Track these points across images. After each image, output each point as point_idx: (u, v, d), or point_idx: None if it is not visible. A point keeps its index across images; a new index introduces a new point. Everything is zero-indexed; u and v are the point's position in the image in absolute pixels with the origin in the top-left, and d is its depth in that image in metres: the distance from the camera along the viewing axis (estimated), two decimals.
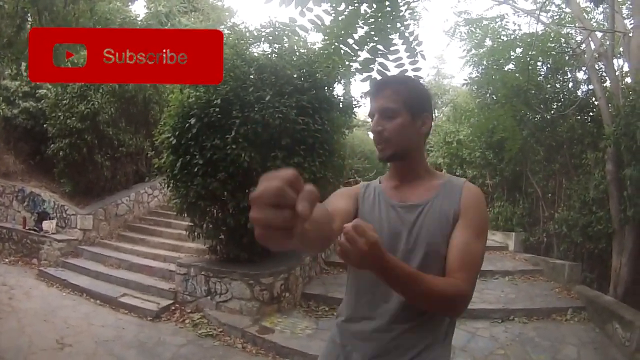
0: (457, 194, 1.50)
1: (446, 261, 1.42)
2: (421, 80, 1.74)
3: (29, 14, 5.35)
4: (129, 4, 15.78)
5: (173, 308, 6.51)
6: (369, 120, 1.60)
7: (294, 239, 0.80)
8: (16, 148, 10.61)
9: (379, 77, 3.63)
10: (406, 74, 3.62)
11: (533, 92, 9.01)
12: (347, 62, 4.01)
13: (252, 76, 6.46)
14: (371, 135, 1.63)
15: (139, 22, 15.00)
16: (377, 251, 1.12)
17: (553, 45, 8.66)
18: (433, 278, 1.32)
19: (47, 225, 9.00)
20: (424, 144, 1.67)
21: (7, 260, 8.78)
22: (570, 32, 9.28)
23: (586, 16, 8.94)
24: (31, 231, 9.01)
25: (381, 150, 1.53)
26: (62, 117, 9.29)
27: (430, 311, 1.43)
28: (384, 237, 1.35)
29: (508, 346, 5.42)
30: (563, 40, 9.02)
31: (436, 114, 17.86)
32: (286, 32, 6.75)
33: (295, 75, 6.55)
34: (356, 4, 3.85)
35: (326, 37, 4.09)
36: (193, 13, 16.78)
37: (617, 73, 8.22)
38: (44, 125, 9.75)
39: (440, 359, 1.51)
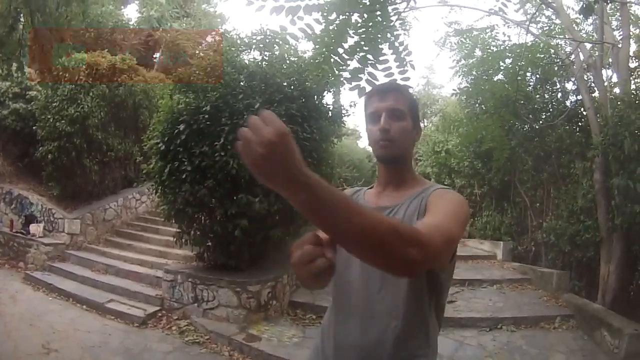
0: (426, 197, 1.47)
1: None
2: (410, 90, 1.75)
3: (21, 15, 5.32)
4: (122, 7, 15.76)
5: (160, 315, 6.47)
6: (358, 129, 1.60)
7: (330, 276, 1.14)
8: (5, 150, 10.52)
9: (368, 87, 3.64)
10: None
11: (522, 102, 9.07)
12: (336, 71, 4.02)
13: (242, 83, 6.48)
14: (363, 141, 1.63)
15: (131, 26, 15.02)
16: (288, 149, 0.91)
17: (542, 56, 8.73)
18: (375, 212, 1.09)
19: (34, 228, 8.93)
20: (413, 153, 1.72)
21: None
22: (560, 43, 9.36)
23: (576, 27, 9.03)
24: (18, 234, 8.95)
25: (384, 147, 1.52)
26: (51, 120, 9.24)
27: (368, 261, 1.11)
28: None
29: (496, 354, 5.44)
30: (552, 51, 9.09)
31: (425, 124, 17.92)
32: (277, 40, 6.76)
33: (285, 84, 6.58)
34: (347, 14, 3.87)
35: (317, 46, 4.11)
36: (185, 19, 16.77)
37: (605, 84, 8.29)
38: (34, 128, 9.68)
39: None
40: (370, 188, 1.71)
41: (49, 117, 9.30)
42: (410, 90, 1.77)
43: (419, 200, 1.48)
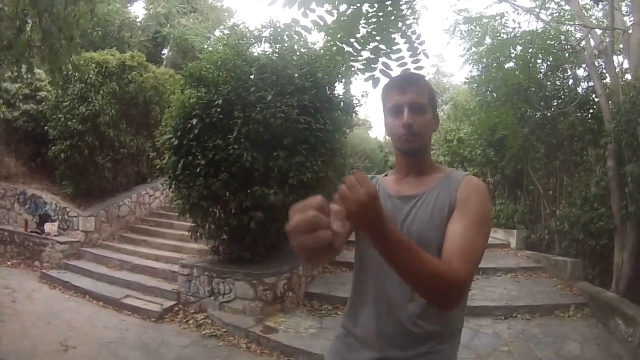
0: (454, 186, 1.50)
1: (442, 251, 1.37)
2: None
3: (29, 16, 5.33)
4: (128, 5, 15.79)
5: (176, 309, 6.51)
6: (369, 119, 1.61)
7: (334, 253, 1.08)
8: (17, 150, 10.60)
9: (382, 77, 3.64)
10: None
11: (533, 89, 9.03)
12: (349, 62, 4.01)
13: (253, 76, 6.48)
14: (375, 131, 1.64)
15: (139, 24, 15.06)
16: (375, 205, 1.08)
17: (553, 42, 8.67)
18: (431, 256, 1.23)
19: (49, 227, 9.00)
20: (431, 141, 1.71)
21: (9, 263, 8.76)
22: (570, 29, 9.32)
23: (586, 13, 8.96)
24: (33, 234, 9.01)
25: (408, 142, 1.54)
26: (62, 119, 9.30)
27: (420, 294, 1.29)
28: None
29: (512, 343, 5.44)
30: (563, 37, 9.03)
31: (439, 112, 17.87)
32: (287, 32, 6.76)
33: (296, 75, 6.57)
34: (358, 4, 3.86)
35: (328, 37, 4.10)
36: (192, 14, 16.78)
37: (617, 70, 8.23)
38: (45, 128, 9.74)
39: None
40: (385, 175, 1.73)
41: (60, 116, 9.36)
42: (427, 79, 1.76)
43: (446, 189, 1.50)
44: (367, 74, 3.79)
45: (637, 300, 6.13)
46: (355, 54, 3.90)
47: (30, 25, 5.38)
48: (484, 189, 1.53)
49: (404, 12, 4.01)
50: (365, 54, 3.87)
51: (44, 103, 10.08)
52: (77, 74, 8.26)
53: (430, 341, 1.45)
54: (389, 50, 3.82)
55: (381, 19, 3.86)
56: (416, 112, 1.51)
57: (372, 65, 3.79)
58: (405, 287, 1.31)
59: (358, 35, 3.88)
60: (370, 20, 3.88)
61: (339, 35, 3.90)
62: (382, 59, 3.79)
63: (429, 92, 1.57)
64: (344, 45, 3.91)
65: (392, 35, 3.90)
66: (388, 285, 1.47)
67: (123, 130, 10.01)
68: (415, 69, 3.81)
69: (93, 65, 9.53)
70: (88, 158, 9.46)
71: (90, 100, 9.30)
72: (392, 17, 3.88)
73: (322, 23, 3.77)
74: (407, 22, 3.99)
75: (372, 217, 1.08)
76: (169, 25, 14.88)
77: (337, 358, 1.61)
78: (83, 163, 9.46)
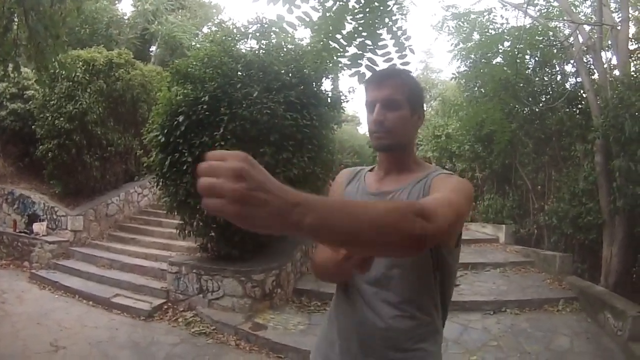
0: (430, 179, 1.47)
1: None
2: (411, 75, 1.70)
3: (15, 15, 5.28)
4: (116, 2, 15.69)
5: (166, 307, 6.51)
6: (357, 115, 1.57)
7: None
8: (5, 150, 10.50)
9: (368, 72, 3.63)
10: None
11: (521, 85, 9.05)
12: (335, 58, 4.01)
13: (239, 73, 6.47)
14: (363, 127, 1.61)
15: (126, 21, 14.96)
16: (261, 169, 0.82)
17: (541, 38, 8.67)
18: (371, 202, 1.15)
19: (37, 227, 8.94)
20: (415, 138, 1.68)
21: None
22: (559, 25, 9.32)
23: (574, 9, 8.99)
24: (22, 234, 8.96)
25: (378, 139, 1.51)
26: (50, 118, 9.22)
27: (381, 254, 1.16)
28: None
29: (501, 337, 5.46)
30: (551, 33, 9.04)
31: (425, 108, 17.92)
32: (273, 29, 6.74)
33: (283, 71, 6.55)
34: (344, 0, 3.85)
35: (314, 34, 4.09)
36: (180, 11, 16.70)
37: (605, 66, 8.25)
38: (33, 127, 9.66)
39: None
40: (371, 170, 1.69)
41: (48, 115, 9.28)
42: (411, 75, 1.73)
43: (422, 183, 1.47)
44: (353, 70, 3.79)
45: (626, 294, 6.18)
46: (342, 49, 3.90)
47: (16, 23, 5.33)
48: (461, 179, 1.50)
49: (390, 8, 4.01)
50: (352, 50, 3.88)
51: (31, 102, 9.99)
52: (64, 72, 8.20)
53: (409, 339, 1.43)
54: (375, 46, 3.82)
55: (367, 15, 3.86)
56: (389, 108, 1.48)
57: (358, 61, 3.79)
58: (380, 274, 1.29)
59: (344, 31, 3.88)
60: (356, 16, 3.88)
61: (324, 31, 3.89)
62: (368, 55, 3.79)
63: (409, 87, 1.52)
64: (330, 41, 3.91)
65: (379, 31, 3.91)
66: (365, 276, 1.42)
67: (111, 129, 9.95)
68: (401, 64, 3.82)
69: (80, 63, 9.47)
70: (76, 157, 9.38)
71: (77, 98, 9.24)
72: (379, 13, 3.88)
73: (307, 19, 3.76)
74: (394, 17, 4.00)
75: (264, 180, 0.81)
76: (157, 22, 14.81)
77: (322, 357, 1.59)
78: (71, 162, 9.38)
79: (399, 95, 1.49)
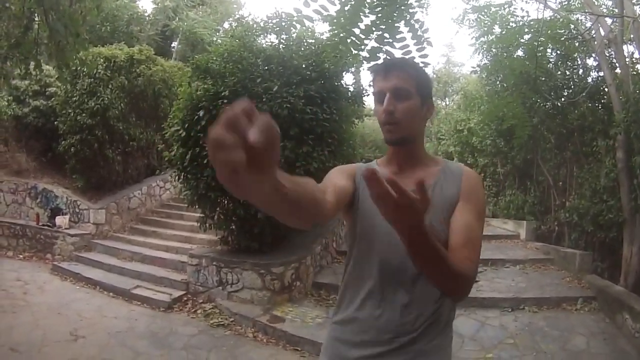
0: (457, 179, 1.48)
1: (449, 241, 1.36)
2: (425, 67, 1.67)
3: (35, 14, 5.39)
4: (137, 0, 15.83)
5: (185, 299, 6.58)
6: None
7: (246, 175, 0.70)
8: (28, 146, 10.70)
9: None
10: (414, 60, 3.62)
11: (542, 79, 8.95)
12: (354, 51, 4.01)
13: (259, 67, 6.49)
14: (376, 117, 1.58)
15: (147, 18, 15.11)
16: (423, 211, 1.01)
17: (562, 31, 8.56)
18: (448, 254, 1.23)
19: (60, 220, 9.11)
20: (425, 129, 1.65)
21: (21, 256, 8.91)
22: (579, 17, 9.17)
23: (595, 1, 8.82)
24: (45, 227, 9.13)
25: (390, 132, 1.47)
26: (72, 114, 9.39)
27: (437, 287, 1.32)
28: (384, 225, 1.16)
29: (517, 335, 5.39)
30: (572, 26, 8.90)
31: (447, 102, 17.77)
32: (293, 23, 6.75)
33: (302, 66, 6.56)
34: None
35: (332, 27, 4.10)
36: (201, 7, 16.79)
37: (627, 59, 8.10)
38: (55, 123, 9.85)
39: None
40: (377, 164, 1.64)
41: (70, 111, 9.44)
42: (421, 65, 1.70)
43: (451, 183, 1.48)
44: (372, 63, 3.79)
45: None
46: (359, 43, 3.90)
47: (37, 23, 5.44)
48: (481, 181, 1.55)
49: (408, 1, 4.00)
50: (370, 43, 3.88)
51: (53, 99, 10.16)
52: (85, 69, 8.33)
53: (422, 335, 1.43)
54: (393, 40, 3.81)
55: (385, 8, 3.85)
56: (399, 98, 1.44)
57: (377, 54, 3.79)
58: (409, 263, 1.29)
59: (362, 25, 3.88)
60: (374, 10, 3.88)
61: (342, 25, 3.89)
62: (387, 48, 3.79)
63: (417, 77, 1.47)
64: (348, 35, 3.92)
65: (397, 24, 3.89)
66: (394, 262, 1.43)
67: (132, 124, 10.09)
68: (419, 57, 3.81)
69: (101, 60, 9.60)
70: (98, 151, 9.53)
71: (99, 94, 9.38)
72: (397, 6, 3.87)
73: (324, 13, 3.77)
74: (412, 10, 3.98)
75: (420, 223, 1.04)
76: (177, 19, 14.92)
77: (333, 349, 1.58)
78: (93, 157, 9.53)
79: (408, 85, 1.45)
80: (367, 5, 3.86)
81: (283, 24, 6.82)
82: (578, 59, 9.66)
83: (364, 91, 7.61)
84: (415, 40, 3.81)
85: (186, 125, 6.33)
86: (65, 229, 8.98)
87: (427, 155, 1.61)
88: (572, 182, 9.66)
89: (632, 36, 8.01)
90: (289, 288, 6.34)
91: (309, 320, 5.70)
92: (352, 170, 1.59)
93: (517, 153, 10.42)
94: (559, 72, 9.70)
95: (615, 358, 4.97)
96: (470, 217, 1.40)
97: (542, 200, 10.32)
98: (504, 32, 9.08)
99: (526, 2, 9.40)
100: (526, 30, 8.24)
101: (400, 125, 1.45)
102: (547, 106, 9.76)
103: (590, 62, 9.51)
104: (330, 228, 7.60)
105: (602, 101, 9.05)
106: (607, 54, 8.37)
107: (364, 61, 4.02)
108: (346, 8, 3.83)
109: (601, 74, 8.66)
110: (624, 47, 8.23)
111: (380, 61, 3.63)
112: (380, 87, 1.47)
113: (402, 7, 3.86)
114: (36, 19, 5.41)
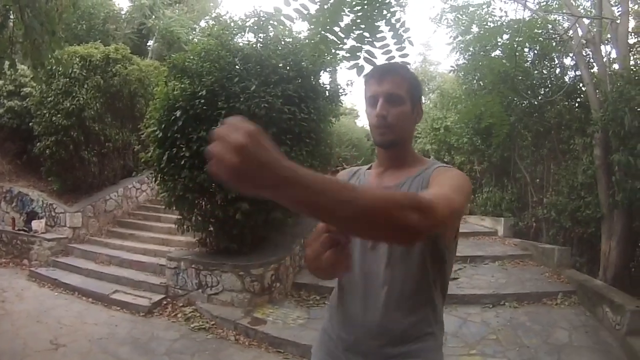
0: (427, 177, 1.48)
1: None
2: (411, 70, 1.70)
3: (10, 12, 5.24)
4: None
5: (165, 303, 6.50)
6: (356, 107, 1.57)
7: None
8: (2, 148, 10.47)
9: (366, 65, 3.61)
10: (393, 60, 3.61)
11: (520, 78, 9.02)
12: (333, 51, 3.98)
13: (237, 66, 6.45)
14: (362, 120, 1.61)
15: (123, 16, 14.89)
16: (263, 147, 0.83)
17: (540, 31, 8.64)
18: (368, 187, 1.22)
19: (36, 224, 8.90)
20: (413, 133, 1.71)
21: None
22: (558, 18, 9.28)
23: (573, 3, 8.93)
24: (21, 232, 8.92)
25: (381, 134, 1.52)
26: (47, 115, 9.19)
27: (371, 237, 1.21)
28: None
29: (499, 331, 5.47)
30: (550, 26, 9.02)
31: (423, 101, 17.86)
32: (271, 22, 6.71)
33: (280, 65, 6.53)
34: None
35: (312, 26, 4.06)
36: (177, 5, 16.62)
37: (604, 59, 8.22)
38: (30, 124, 9.63)
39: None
40: (369, 168, 1.71)
41: (45, 112, 9.25)
42: (411, 70, 1.73)
43: (421, 177, 1.49)
44: (352, 62, 3.76)
45: (624, 288, 6.18)
46: (339, 42, 3.88)
47: (12, 21, 5.29)
48: (459, 172, 1.52)
49: (388, 0, 3.99)
50: (350, 43, 3.85)
51: (28, 99, 9.94)
52: (60, 69, 8.16)
53: (408, 334, 1.45)
54: (373, 39, 3.79)
55: (365, 7, 3.83)
56: (392, 103, 1.49)
57: (357, 54, 3.76)
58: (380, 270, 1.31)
59: (342, 23, 3.85)
60: (354, 9, 3.85)
61: (322, 24, 3.86)
62: (367, 47, 3.76)
63: (409, 83, 1.54)
64: (328, 34, 3.88)
65: (377, 23, 3.88)
66: (373, 265, 1.47)
67: (108, 124, 9.90)
68: (400, 56, 3.79)
69: (77, 59, 9.42)
70: (74, 153, 9.35)
71: (74, 94, 9.20)
72: (377, 5, 3.85)
73: (305, 12, 3.73)
74: (392, 9, 3.97)
75: (260, 157, 0.82)
76: (154, 17, 14.72)
77: (324, 351, 1.61)
78: (69, 158, 9.35)
79: (400, 91, 1.50)
80: (347, 4, 3.83)
81: (261, 22, 6.75)
82: (556, 59, 9.76)
83: (342, 90, 7.59)
84: (395, 40, 3.79)
85: (163, 125, 6.26)
86: (42, 233, 8.78)
87: (416, 157, 1.64)
88: (549, 179, 9.77)
89: (609, 37, 8.13)
90: (269, 289, 6.30)
91: (290, 322, 5.67)
92: (341, 176, 1.74)
93: (494, 151, 10.51)
94: (536, 71, 9.79)
95: (597, 350, 5.07)
96: (438, 186, 1.34)
97: (520, 197, 10.42)
98: (482, 32, 9.14)
99: (505, 2, 9.46)
100: (505, 30, 8.29)
101: (391, 129, 1.50)
102: (524, 104, 9.85)
103: (568, 61, 9.65)
104: (308, 228, 7.55)
105: (579, 100, 9.17)
106: (585, 54, 8.50)
107: (343, 60, 3.99)
108: (326, 7, 3.80)
109: (578, 73, 8.78)
110: (602, 47, 8.37)
111: (361, 65, 3.63)
112: (373, 91, 1.52)
113: (383, 7, 3.85)
114: (11, 16, 5.27)
